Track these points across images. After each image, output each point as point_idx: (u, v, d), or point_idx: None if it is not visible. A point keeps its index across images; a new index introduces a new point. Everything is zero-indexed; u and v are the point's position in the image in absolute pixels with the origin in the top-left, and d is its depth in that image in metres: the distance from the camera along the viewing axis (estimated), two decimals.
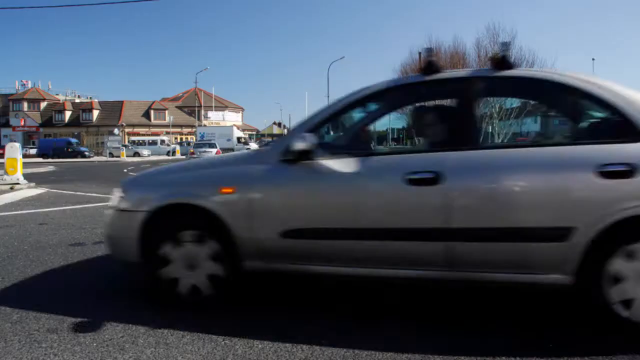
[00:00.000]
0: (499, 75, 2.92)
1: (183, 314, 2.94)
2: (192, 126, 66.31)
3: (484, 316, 2.93)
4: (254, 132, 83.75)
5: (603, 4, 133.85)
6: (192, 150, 33.55)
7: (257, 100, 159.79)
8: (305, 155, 2.86)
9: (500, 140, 27.62)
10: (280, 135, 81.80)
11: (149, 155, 43.12)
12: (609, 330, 2.54)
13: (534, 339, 2.55)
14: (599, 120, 3.04)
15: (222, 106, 76.96)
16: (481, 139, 3.62)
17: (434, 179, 2.66)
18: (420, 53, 31.78)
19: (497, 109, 27.25)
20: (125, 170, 24.17)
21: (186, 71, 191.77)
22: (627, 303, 2.49)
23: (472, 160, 2.71)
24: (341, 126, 3.96)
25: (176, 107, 71.10)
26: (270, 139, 53.33)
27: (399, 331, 2.70)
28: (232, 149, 37.60)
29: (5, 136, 54.14)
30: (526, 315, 2.92)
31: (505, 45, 3.17)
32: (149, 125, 66.10)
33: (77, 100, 75.31)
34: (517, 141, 8.46)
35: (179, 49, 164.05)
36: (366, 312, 3.03)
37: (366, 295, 3.33)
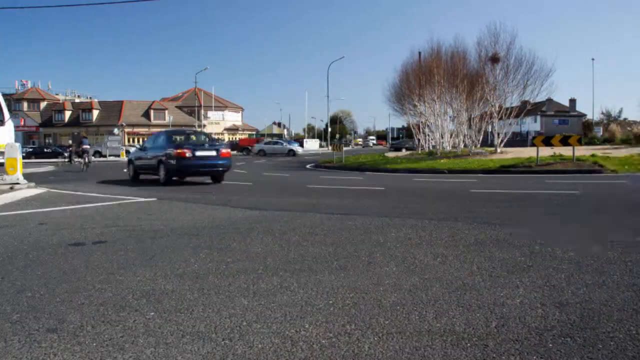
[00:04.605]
0: None
1: None
2: (191, 126, 66.29)
3: None
4: (254, 132, 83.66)
5: (603, 4, 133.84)
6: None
7: (257, 100, 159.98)
8: None
9: (500, 139, 27.66)
10: (280, 135, 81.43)
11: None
12: None
13: None
14: None
15: (221, 106, 76.97)
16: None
17: None
18: (420, 53, 31.78)
19: (497, 108, 27.25)
20: (124, 170, 24.13)
21: (186, 71, 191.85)
22: None
23: None
24: None
25: (176, 107, 71.08)
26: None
27: None
28: None
29: None
30: None
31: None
32: (148, 125, 66.07)
33: (77, 100, 75.30)
34: None
35: (179, 49, 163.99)
36: None
37: None
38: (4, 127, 13.84)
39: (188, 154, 13.02)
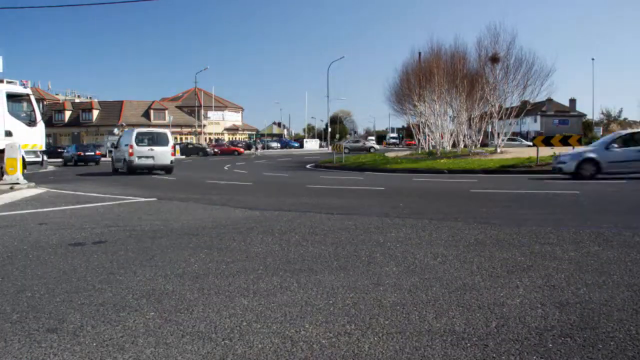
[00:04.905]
0: None
1: None
2: (191, 126, 66.28)
3: None
4: (254, 132, 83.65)
5: (603, 4, 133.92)
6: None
7: (257, 100, 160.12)
8: None
9: (500, 139, 27.62)
10: (280, 135, 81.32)
11: None
12: None
13: None
14: None
15: (221, 106, 76.95)
16: None
17: None
18: (420, 53, 31.79)
19: (497, 108, 27.26)
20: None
21: (186, 71, 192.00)
22: None
23: None
24: None
25: (176, 107, 71.08)
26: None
27: None
28: None
29: None
30: None
31: None
32: (148, 125, 65.99)
33: (77, 100, 75.36)
34: None
35: (179, 49, 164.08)
36: None
37: None
38: (36, 127, 14.93)
39: (82, 153, 32.27)
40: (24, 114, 14.94)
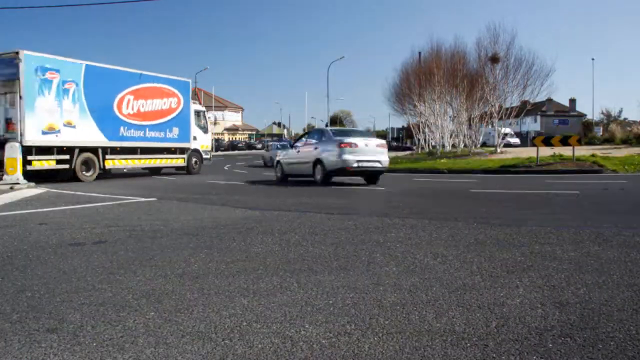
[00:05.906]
0: None
1: None
2: None
3: None
4: (254, 132, 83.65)
5: (603, 4, 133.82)
6: None
7: (257, 100, 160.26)
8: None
9: (499, 140, 27.62)
10: (280, 135, 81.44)
11: None
12: None
13: None
14: None
15: (222, 106, 76.98)
16: None
17: None
18: (420, 53, 31.82)
19: (497, 108, 27.26)
20: (125, 170, 24.09)
21: (186, 71, 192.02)
22: None
23: None
24: None
25: None
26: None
27: None
28: None
29: None
30: None
31: None
32: None
33: None
34: None
35: (178, 49, 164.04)
36: None
37: None
38: (207, 134, 22.16)
39: None
40: (201, 124, 21.55)
